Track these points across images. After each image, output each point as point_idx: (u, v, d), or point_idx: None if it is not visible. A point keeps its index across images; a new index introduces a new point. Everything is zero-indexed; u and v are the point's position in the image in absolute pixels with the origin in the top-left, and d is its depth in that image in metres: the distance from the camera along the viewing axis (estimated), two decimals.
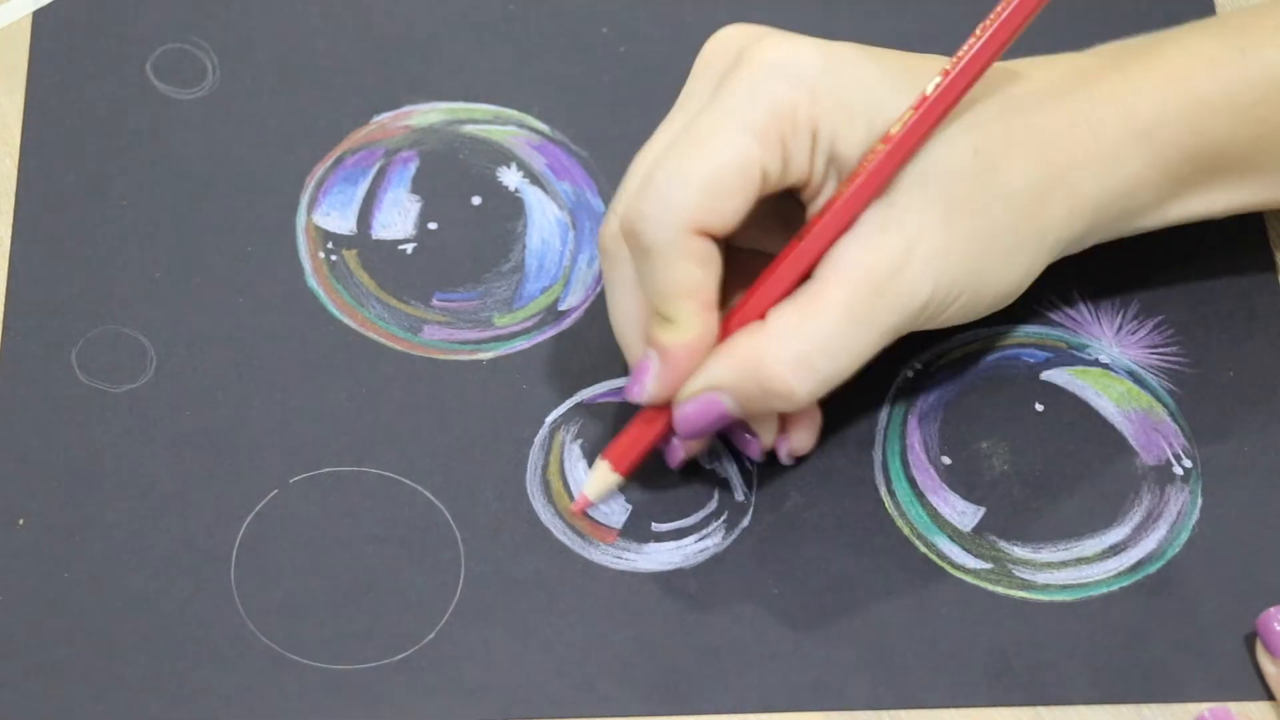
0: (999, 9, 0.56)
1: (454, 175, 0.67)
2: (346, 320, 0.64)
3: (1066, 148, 0.58)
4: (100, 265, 0.64)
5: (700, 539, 0.61)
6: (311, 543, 0.60)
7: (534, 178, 0.67)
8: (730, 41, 0.59)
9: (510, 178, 0.67)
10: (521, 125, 0.68)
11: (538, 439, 0.62)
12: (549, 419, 0.62)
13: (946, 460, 0.62)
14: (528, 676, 0.58)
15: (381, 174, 0.67)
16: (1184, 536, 0.61)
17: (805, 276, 0.57)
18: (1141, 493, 0.62)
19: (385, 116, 0.68)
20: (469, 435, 0.62)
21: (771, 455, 0.61)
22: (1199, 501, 0.62)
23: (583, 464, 0.62)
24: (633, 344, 0.60)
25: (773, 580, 0.60)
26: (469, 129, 0.68)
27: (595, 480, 0.60)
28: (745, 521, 0.61)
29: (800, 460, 0.61)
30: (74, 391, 0.62)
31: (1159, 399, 0.63)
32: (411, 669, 0.58)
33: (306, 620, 0.59)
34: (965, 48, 0.57)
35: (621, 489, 0.61)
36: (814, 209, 0.58)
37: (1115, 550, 0.61)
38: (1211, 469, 0.62)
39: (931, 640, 0.59)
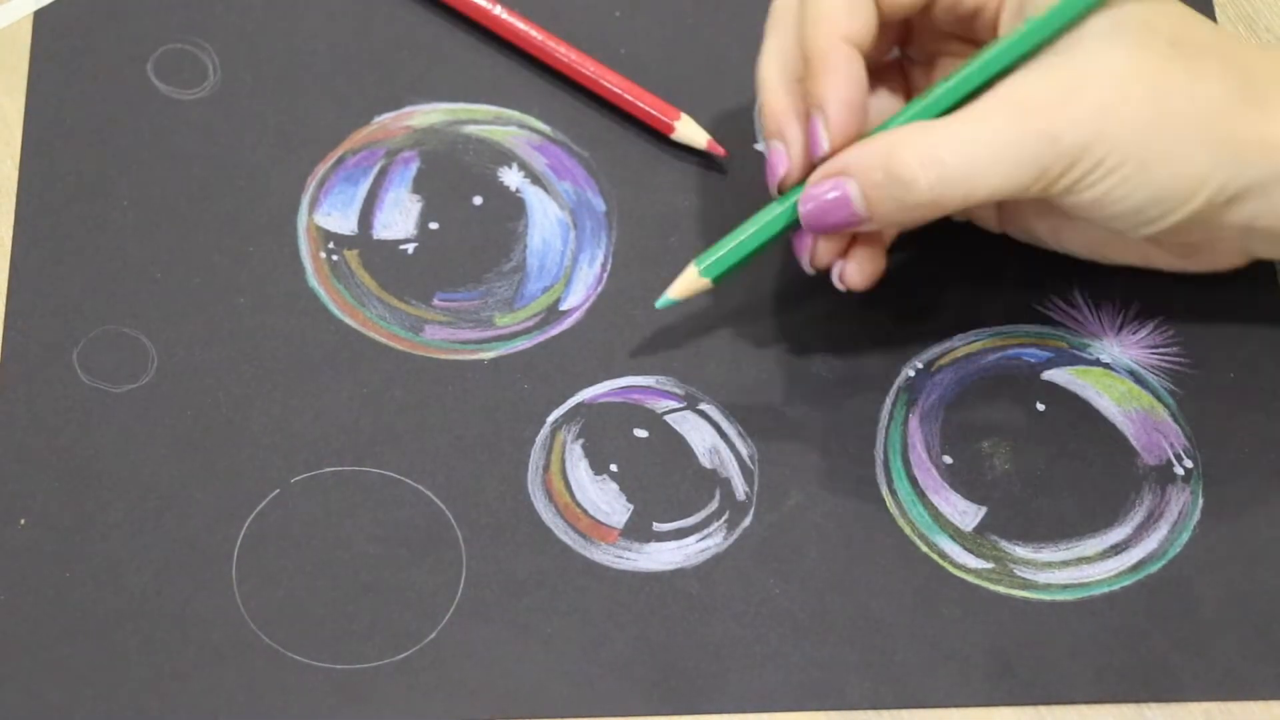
0: None
1: (455, 175, 0.67)
2: (348, 320, 0.64)
3: (1269, 85, 0.57)
4: (101, 265, 0.64)
5: (701, 539, 0.61)
6: (313, 542, 0.60)
7: (535, 178, 0.67)
8: None
9: (511, 178, 0.67)
10: (522, 125, 0.68)
11: (539, 439, 0.62)
12: (550, 418, 0.62)
13: (948, 460, 0.62)
14: (528, 676, 0.58)
15: (383, 174, 0.67)
16: (1185, 536, 0.61)
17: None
18: (1143, 492, 0.62)
19: (386, 117, 0.68)
20: (470, 435, 0.62)
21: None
22: (1200, 501, 0.62)
23: (584, 463, 0.62)
24: (774, 96, 0.59)
25: (773, 580, 0.60)
26: (470, 129, 0.68)
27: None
28: (746, 521, 0.61)
29: (801, 470, 0.62)
30: (75, 391, 0.62)
31: (1160, 399, 0.63)
32: (413, 668, 0.58)
33: (308, 620, 0.59)
34: None
35: (622, 488, 0.61)
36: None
37: (1116, 550, 0.61)
38: (1212, 469, 0.62)
39: (932, 640, 0.59)
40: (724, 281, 0.61)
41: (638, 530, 0.61)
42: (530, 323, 0.64)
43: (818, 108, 0.58)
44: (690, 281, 0.61)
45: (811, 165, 0.59)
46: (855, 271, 0.60)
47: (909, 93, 0.63)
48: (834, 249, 0.60)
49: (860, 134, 0.58)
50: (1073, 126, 0.55)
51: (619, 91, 0.67)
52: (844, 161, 0.57)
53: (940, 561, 0.61)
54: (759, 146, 0.68)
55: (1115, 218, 0.57)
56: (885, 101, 0.62)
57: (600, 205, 0.66)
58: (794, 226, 0.60)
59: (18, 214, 0.65)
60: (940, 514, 0.61)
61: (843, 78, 0.57)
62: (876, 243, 0.60)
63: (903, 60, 0.63)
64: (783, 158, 0.59)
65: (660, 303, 0.62)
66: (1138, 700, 0.59)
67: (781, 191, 0.60)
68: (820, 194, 0.58)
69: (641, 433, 0.62)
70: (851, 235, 0.60)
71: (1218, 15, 0.70)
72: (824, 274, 0.61)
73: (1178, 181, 0.56)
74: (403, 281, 0.65)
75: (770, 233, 0.60)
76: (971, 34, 0.60)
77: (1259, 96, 0.56)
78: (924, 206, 0.56)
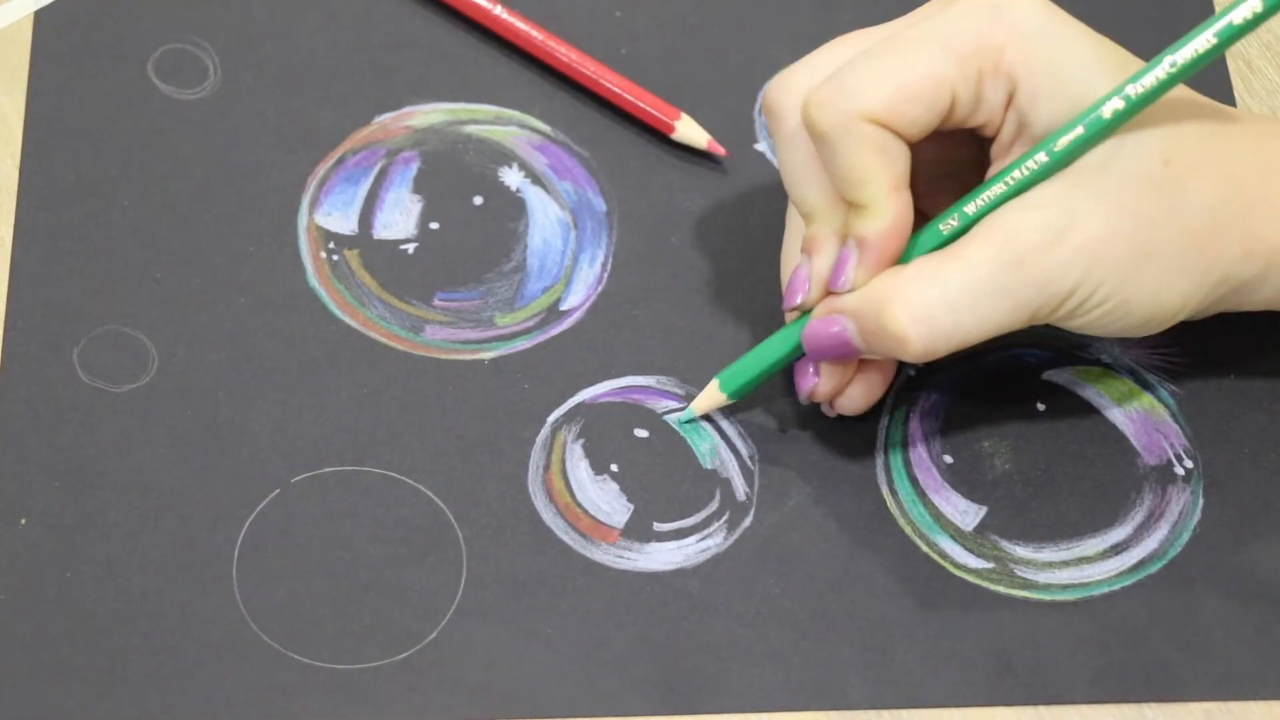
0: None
1: (455, 175, 0.67)
2: (348, 320, 0.64)
3: (1259, 187, 0.57)
4: (102, 265, 0.64)
5: (702, 539, 0.61)
6: (313, 542, 0.60)
7: (535, 178, 0.67)
8: None
9: (512, 178, 0.67)
10: (523, 125, 0.68)
11: (539, 438, 0.62)
12: (550, 418, 0.62)
13: (948, 459, 0.62)
14: (529, 676, 0.58)
15: (383, 174, 0.67)
16: (1185, 536, 0.61)
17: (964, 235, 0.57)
18: (1143, 492, 0.62)
19: (387, 117, 0.68)
20: (471, 435, 0.62)
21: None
22: (1200, 502, 0.62)
23: (585, 463, 0.62)
24: (819, 221, 0.59)
25: (774, 580, 0.60)
26: (470, 129, 0.68)
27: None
28: (747, 521, 0.61)
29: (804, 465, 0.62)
30: (75, 391, 0.62)
31: (1160, 399, 0.63)
32: (413, 668, 0.58)
33: (308, 620, 0.59)
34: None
35: (623, 488, 0.61)
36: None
37: (1117, 550, 0.61)
38: (1213, 469, 0.62)
39: (932, 640, 0.59)
40: (741, 397, 0.62)
41: (638, 530, 0.61)
42: (530, 323, 0.64)
43: (855, 244, 0.58)
44: (712, 397, 0.62)
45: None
46: (857, 398, 0.61)
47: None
48: (835, 385, 0.60)
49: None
50: (1061, 271, 0.56)
51: (619, 91, 0.67)
52: (843, 304, 0.58)
53: (940, 561, 0.61)
54: (759, 147, 0.68)
55: (1099, 334, 0.58)
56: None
57: (600, 205, 0.66)
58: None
59: (18, 214, 0.65)
60: (940, 514, 0.61)
61: (890, 226, 0.57)
62: (881, 373, 0.61)
63: None
64: (804, 284, 0.59)
65: (683, 418, 0.62)
66: (1138, 700, 0.59)
67: (794, 310, 0.60)
68: (823, 330, 0.58)
69: (642, 433, 0.62)
70: (856, 366, 0.60)
71: None
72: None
73: (1160, 309, 0.57)
74: (403, 281, 0.65)
75: (788, 355, 0.60)
76: (976, 135, 0.60)
77: (1248, 203, 0.57)
78: (918, 358, 0.57)
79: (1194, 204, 0.57)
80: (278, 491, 0.61)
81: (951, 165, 0.60)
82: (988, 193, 0.57)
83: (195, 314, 0.64)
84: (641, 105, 0.67)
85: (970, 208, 0.57)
